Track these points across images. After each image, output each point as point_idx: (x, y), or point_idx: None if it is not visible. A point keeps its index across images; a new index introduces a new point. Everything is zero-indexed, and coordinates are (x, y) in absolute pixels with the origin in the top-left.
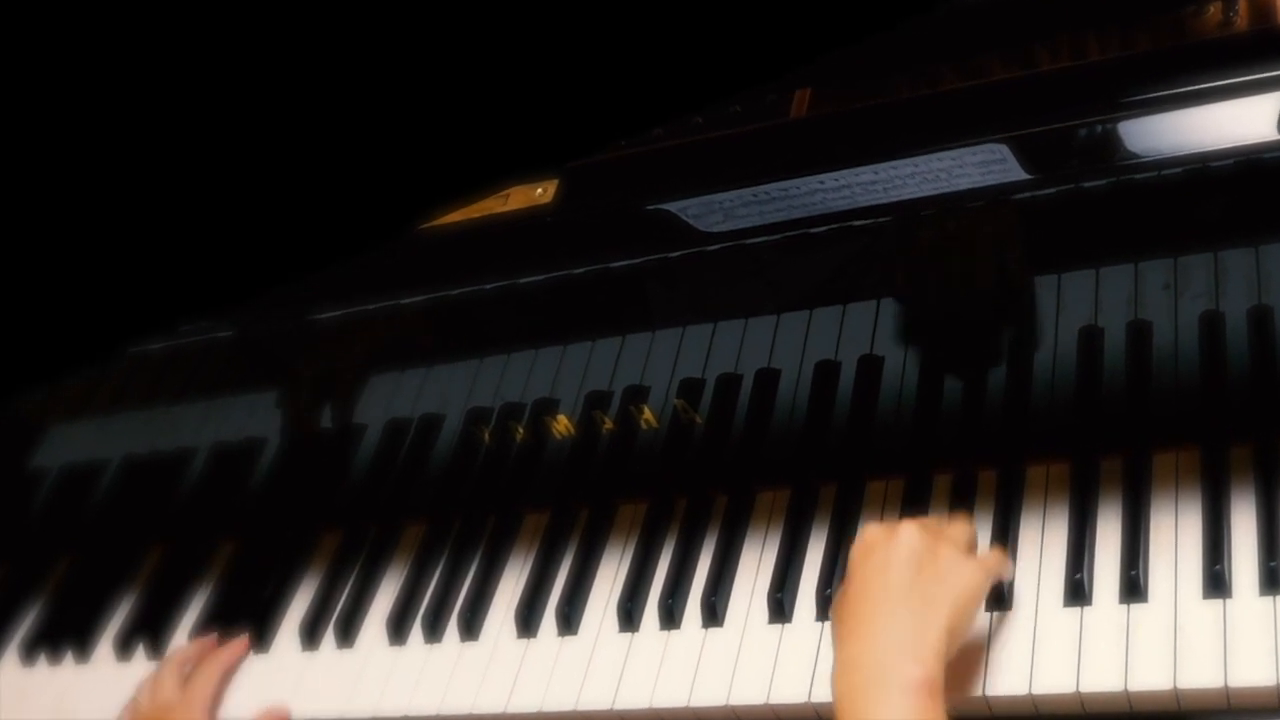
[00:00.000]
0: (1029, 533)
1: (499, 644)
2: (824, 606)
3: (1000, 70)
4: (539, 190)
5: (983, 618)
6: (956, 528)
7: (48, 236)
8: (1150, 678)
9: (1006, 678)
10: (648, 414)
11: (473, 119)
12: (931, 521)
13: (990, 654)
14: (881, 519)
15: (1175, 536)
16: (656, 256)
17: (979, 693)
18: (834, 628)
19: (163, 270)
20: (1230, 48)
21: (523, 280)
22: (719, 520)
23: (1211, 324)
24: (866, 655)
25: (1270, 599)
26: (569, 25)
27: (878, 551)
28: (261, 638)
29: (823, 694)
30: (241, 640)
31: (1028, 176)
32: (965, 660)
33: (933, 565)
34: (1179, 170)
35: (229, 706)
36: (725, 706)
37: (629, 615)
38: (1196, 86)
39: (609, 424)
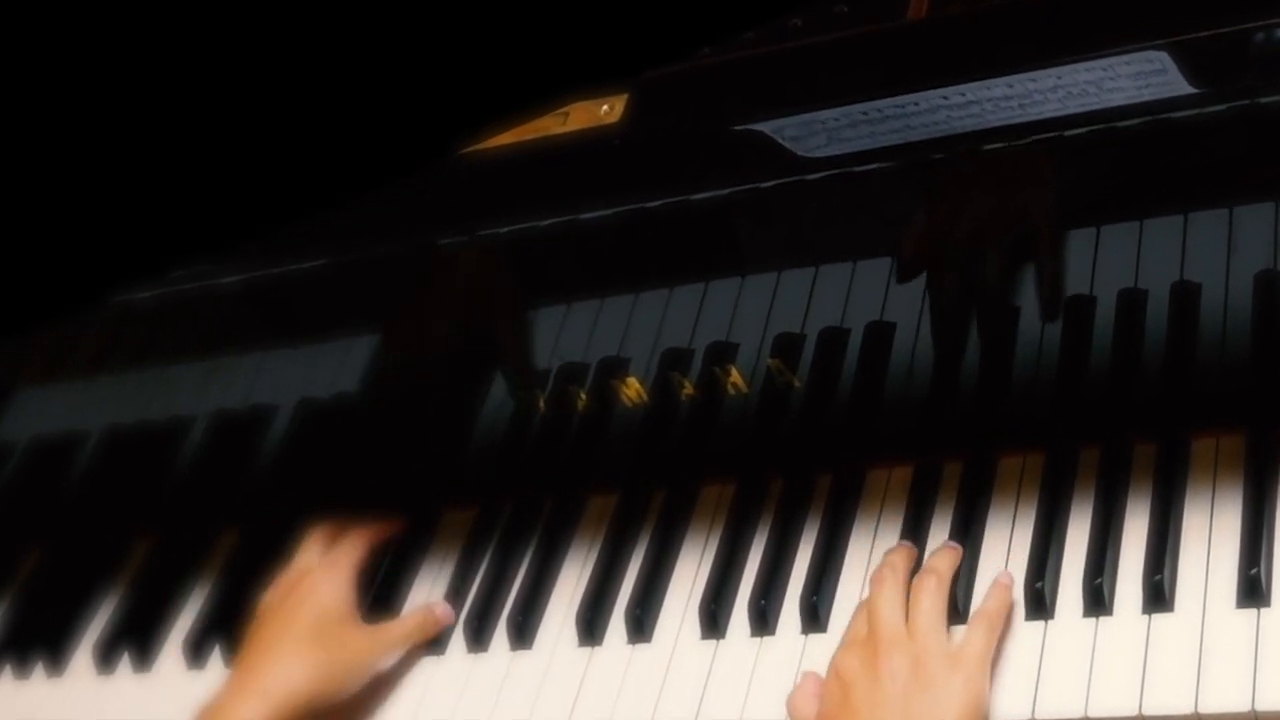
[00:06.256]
0: (1195, 518)
1: (557, 653)
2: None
3: None
4: (605, 107)
5: (1137, 623)
6: (926, 614)
7: (18, 158)
8: None
9: (1168, 694)
10: (735, 376)
11: (525, 21)
12: (899, 607)
13: (1147, 664)
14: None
15: None
16: (746, 187)
17: (1133, 711)
18: None
19: (156, 202)
20: None
21: (586, 215)
22: (821, 505)
23: None
24: None
25: None
26: None
27: (859, 690)
28: None
29: None
30: (399, 520)
31: (1193, 91)
32: (1116, 671)
33: (925, 696)
34: None
35: None
36: None
37: (713, 619)
38: None
39: (689, 388)
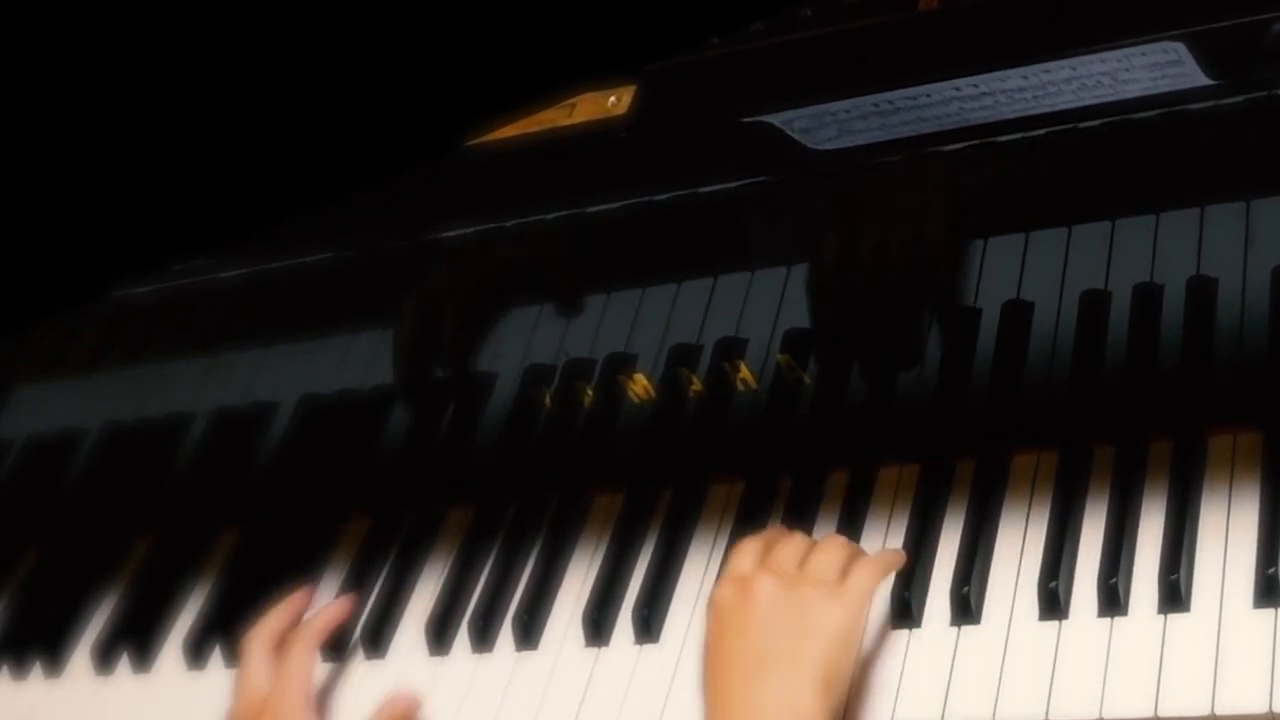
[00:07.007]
0: (1211, 517)
1: (563, 653)
2: (961, 608)
3: None
4: (611, 99)
5: (1152, 623)
6: (821, 558)
7: (15, 154)
8: None
9: (1184, 695)
10: (745, 372)
11: (531, 11)
12: (794, 555)
13: (1163, 665)
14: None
15: None
16: (755, 180)
17: (1149, 712)
18: (705, 706)
19: (156, 196)
20: None
21: (592, 209)
22: (832, 503)
23: None
24: None
25: None
26: None
27: (732, 615)
28: None
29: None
30: (341, 603)
31: (1210, 82)
32: (1132, 672)
33: (794, 615)
34: None
35: None
36: None
37: None
38: None
39: (697, 385)
